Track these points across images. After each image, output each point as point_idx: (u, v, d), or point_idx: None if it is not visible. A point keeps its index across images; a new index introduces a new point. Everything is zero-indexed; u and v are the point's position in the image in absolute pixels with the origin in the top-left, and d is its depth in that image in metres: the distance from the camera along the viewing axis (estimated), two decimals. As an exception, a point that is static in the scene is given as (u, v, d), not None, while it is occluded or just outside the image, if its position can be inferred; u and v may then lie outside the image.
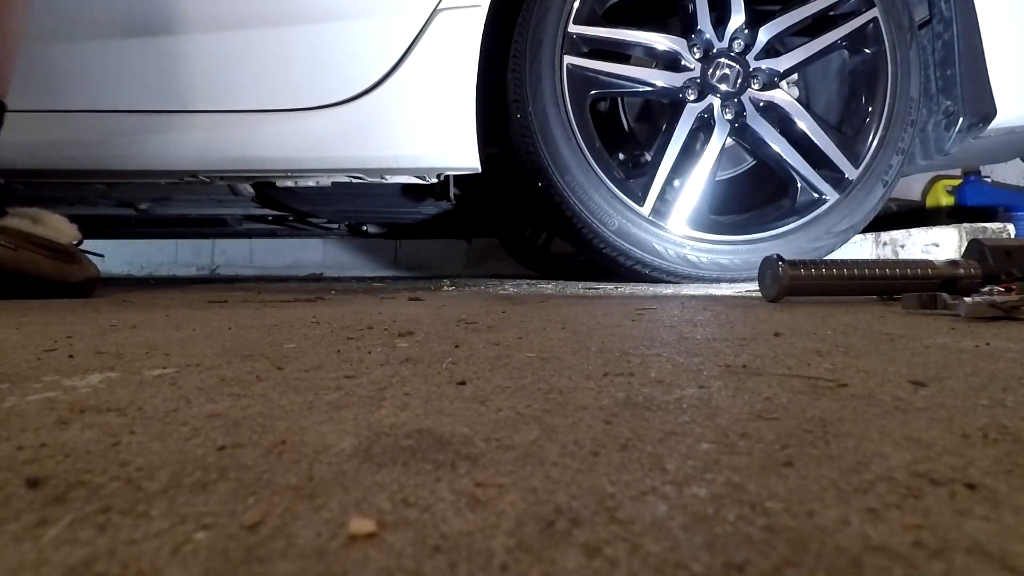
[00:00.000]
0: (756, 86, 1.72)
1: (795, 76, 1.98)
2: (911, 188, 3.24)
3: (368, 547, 0.24)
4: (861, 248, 2.31)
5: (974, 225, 1.95)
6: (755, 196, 2.07)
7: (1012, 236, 1.91)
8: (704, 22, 1.70)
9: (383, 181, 1.78)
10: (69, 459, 0.34)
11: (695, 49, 1.70)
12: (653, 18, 1.94)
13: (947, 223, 2.38)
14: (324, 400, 0.46)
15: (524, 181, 1.78)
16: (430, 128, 1.57)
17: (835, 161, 1.73)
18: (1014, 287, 1.04)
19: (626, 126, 2.19)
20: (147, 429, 0.39)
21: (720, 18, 1.72)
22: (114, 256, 4.15)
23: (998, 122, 1.64)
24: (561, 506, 0.28)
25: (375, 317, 0.98)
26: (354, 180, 1.75)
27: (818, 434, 0.37)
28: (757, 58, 1.72)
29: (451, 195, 1.93)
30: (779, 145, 1.72)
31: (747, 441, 0.36)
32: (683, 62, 1.71)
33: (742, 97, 1.71)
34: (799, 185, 1.75)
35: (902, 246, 2.13)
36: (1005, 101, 1.61)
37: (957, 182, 3.14)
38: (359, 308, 1.15)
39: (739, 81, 1.70)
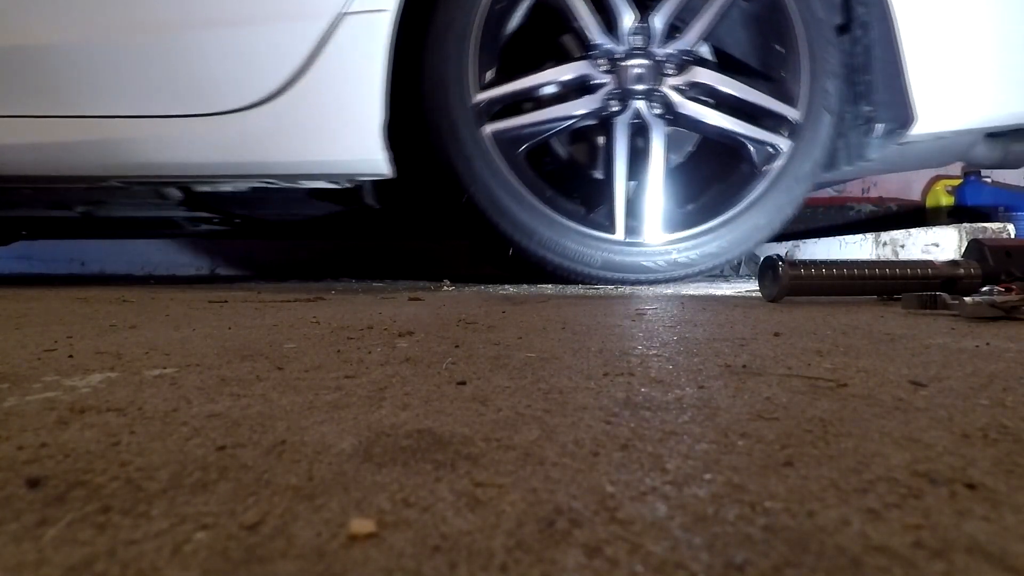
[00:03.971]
0: (671, 71, 1.68)
1: (705, 47, 1.88)
2: (911, 188, 3.24)
3: (368, 547, 0.24)
4: (861, 248, 2.31)
5: (974, 225, 1.95)
6: (717, 167, 1.99)
7: (1012, 236, 1.91)
8: (596, 33, 1.65)
9: (297, 186, 1.76)
10: (69, 459, 0.34)
11: (600, 63, 1.66)
12: (551, 44, 1.87)
13: (947, 223, 2.38)
14: (324, 400, 0.46)
15: (502, 243, 1.77)
16: (336, 134, 1.54)
17: (775, 109, 1.70)
18: (1014, 287, 1.04)
19: (563, 155, 2.10)
20: (147, 429, 0.39)
21: (610, 23, 1.67)
22: (114, 256, 4.15)
23: (923, 128, 1.62)
24: (561, 506, 0.28)
25: (375, 317, 0.98)
26: (271, 185, 1.73)
27: (818, 434, 0.37)
28: (661, 45, 1.68)
29: (368, 200, 1.90)
30: (717, 119, 1.69)
31: (747, 441, 0.36)
32: (594, 80, 1.67)
33: (663, 88, 1.67)
34: (751, 149, 1.72)
35: (902, 246, 2.13)
36: (925, 108, 1.59)
37: (957, 182, 3.14)
38: (359, 308, 1.15)
39: (654, 74, 1.66)
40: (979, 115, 1.67)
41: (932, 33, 1.59)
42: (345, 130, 1.55)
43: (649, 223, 1.68)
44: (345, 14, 1.47)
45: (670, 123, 1.71)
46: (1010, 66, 1.64)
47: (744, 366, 0.57)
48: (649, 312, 1.05)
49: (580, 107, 1.67)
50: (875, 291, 1.23)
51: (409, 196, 2.08)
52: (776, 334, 0.77)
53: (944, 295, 1.01)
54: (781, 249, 2.71)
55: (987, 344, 0.68)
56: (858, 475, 0.31)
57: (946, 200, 3.17)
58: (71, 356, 0.63)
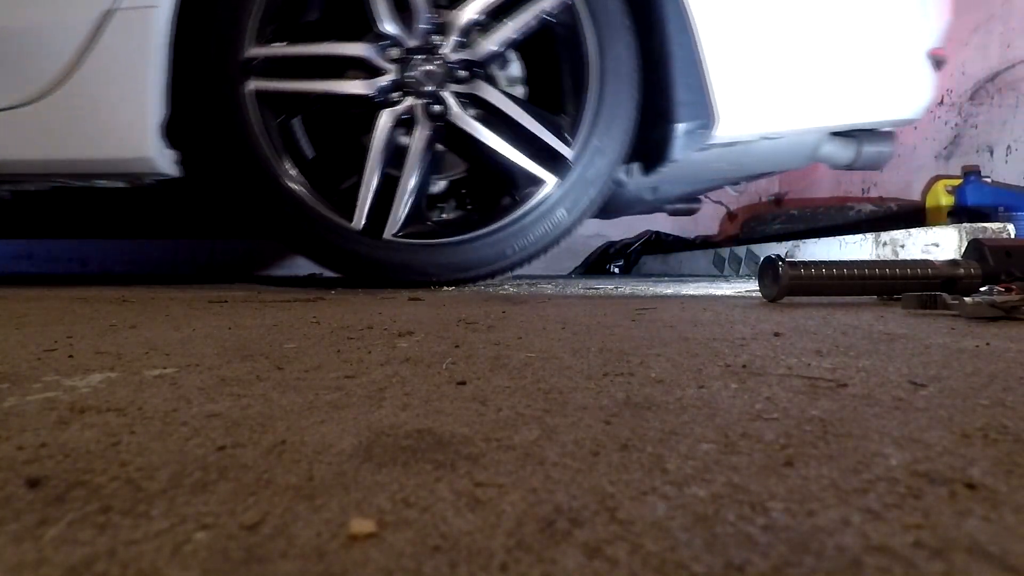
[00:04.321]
0: (447, 48, 1.60)
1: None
2: (911, 188, 3.24)
3: (368, 547, 0.24)
4: (861, 248, 2.31)
5: (974, 225, 1.95)
6: (559, 71, 1.85)
7: (1012, 236, 1.91)
8: (366, 87, 1.59)
9: (94, 185, 1.72)
10: (69, 459, 0.34)
11: (399, 95, 1.61)
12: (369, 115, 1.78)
13: (947, 223, 2.38)
14: (324, 400, 0.46)
15: None
16: (112, 132, 1.50)
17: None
18: (1014, 287, 1.04)
19: (441, 189, 2.04)
20: (147, 429, 0.39)
21: (369, 67, 1.62)
22: (114, 255, 4.15)
23: (728, 130, 1.57)
24: (561, 506, 0.28)
25: (375, 317, 0.98)
26: (68, 184, 1.69)
27: (818, 434, 0.37)
28: (429, 37, 1.60)
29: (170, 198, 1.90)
30: (508, 32, 1.61)
31: (747, 441, 0.36)
32: (414, 109, 1.61)
33: (453, 62, 1.62)
34: (556, 31, 1.68)
35: (902, 246, 2.13)
36: (727, 109, 1.54)
37: (957, 182, 3.14)
38: (359, 308, 1.15)
39: (440, 74, 1.60)
40: (793, 118, 1.64)
41: (734, 34, 1.56)
42: (121, 128, 1.50)
43: (555, 159, 1.64)
44: (114, 10, 1.42)
45: (489, 76, 1.67)
46: (826, 69, 1.60)
47: (744, 366, 0.57)
48: (649, 312, 1.05)
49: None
50: (875, 291, 1.23)
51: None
52: (776, 334, 0.77)
53: (944, 295, 1.01)
54: (781, 249, 2.71)
55: (987, 344, 0.68)
56: (858, 475, 0.31)
57: (946, 200, 3.17)
58: (71, 356, 0.63)
